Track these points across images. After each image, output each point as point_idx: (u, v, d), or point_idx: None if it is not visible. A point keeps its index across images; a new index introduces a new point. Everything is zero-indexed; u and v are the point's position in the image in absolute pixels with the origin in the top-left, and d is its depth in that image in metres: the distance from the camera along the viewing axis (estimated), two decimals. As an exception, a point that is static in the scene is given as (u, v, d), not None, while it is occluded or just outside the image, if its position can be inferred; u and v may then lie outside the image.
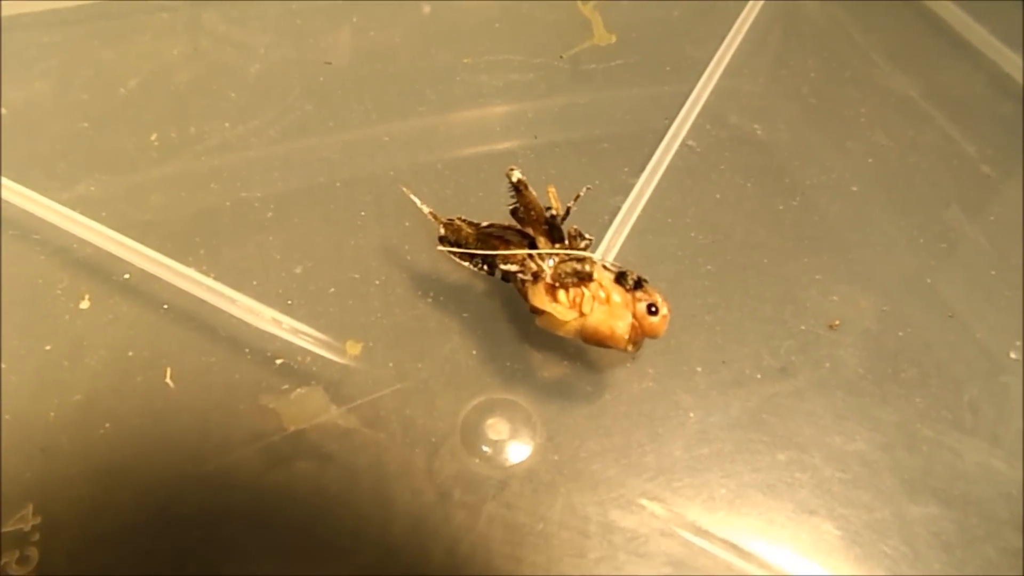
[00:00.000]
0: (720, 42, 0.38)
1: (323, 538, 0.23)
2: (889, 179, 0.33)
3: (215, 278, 0.28)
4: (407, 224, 0.29)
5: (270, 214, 0.30)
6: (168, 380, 0.25)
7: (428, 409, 0.25)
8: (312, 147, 0.33)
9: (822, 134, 0.35)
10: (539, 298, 0.24)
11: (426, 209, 0.27)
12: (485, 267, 0.26)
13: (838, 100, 0.37)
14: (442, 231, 0.27)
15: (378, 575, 0.22)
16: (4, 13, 0.37)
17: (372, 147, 0.34)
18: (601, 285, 0.24)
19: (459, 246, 0.27)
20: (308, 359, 0.26)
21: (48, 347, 0.26)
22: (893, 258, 0.31)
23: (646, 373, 0.26)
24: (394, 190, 0.28)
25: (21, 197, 0.29)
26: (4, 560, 0.22)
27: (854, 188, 0.33)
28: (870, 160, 0.34)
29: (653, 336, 0.24)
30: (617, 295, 0.24)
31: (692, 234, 0.31)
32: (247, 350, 0.26)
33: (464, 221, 0.27)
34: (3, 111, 0.34)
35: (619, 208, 0.31)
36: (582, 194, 0.25)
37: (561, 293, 0.24)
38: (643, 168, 0.32)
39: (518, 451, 0.24)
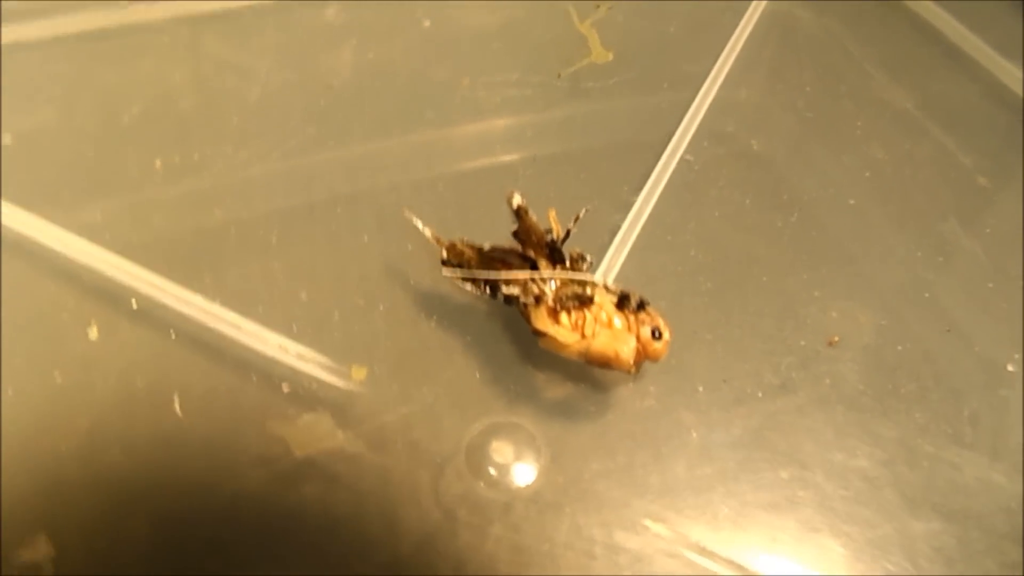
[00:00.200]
0: (716, 57, 0.38)
1: (331, 561, 0.23)
2: (886, 192, 0.34)
3: (221, 304, 0.28)
4: (409, 247, 0.30)
5: (274, 239, 0.31)
6: (176, 408, 0.26)
7: (433, 432, 0.25)
8: (314, 169, 0.33)
9: (819, 148, 0.36)
10: (541, 321, 0.25)
11: (428, 233, 0.28)
12: (487, 290, 0.27)
13: (834, 113, 0.37)
14: (444, 255, 0.27)
15: (386, 598, 0.23)
16: (4, 40, 0.37)
17: (373, 167, 0.34)
18: (603, 308, 0.24)
19: (461, 269, 0.27)
20: (314, 384, 0.26)
21: (56, 374, 0.26)
22: (891, 272, 0.31)
23: (648, 392, 0.27)
24: (396, 210, 0.29)
25: (26, 224, 0.30)
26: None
27: (851, 202, 0.33)
28: (867, 173, 0.34)
29: (655, 360, 0.24)
30: (619, 319, 0.24)
31: (692, 252, 0.31)
32: (254, 376, 0.26)
33: (466, 244, 0.27)
34: (6, 138, 0.34)
35: (619, 226, 0.31)
36: (581, 215, 0.25)
37: (563, 316, 0.24)
38: (642, 183, 0.32)
39: (523, 473, 0.25)
